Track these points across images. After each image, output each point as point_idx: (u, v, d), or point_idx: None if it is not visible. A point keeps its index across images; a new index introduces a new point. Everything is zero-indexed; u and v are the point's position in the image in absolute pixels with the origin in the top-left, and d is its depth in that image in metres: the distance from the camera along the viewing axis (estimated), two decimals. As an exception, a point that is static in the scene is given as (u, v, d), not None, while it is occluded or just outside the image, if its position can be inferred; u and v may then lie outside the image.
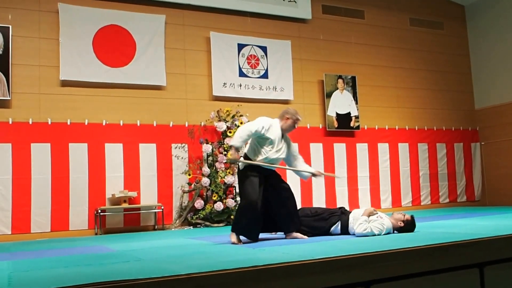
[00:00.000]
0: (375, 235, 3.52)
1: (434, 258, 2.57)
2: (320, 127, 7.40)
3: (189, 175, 6.20)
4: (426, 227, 4.20)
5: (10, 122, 5.63)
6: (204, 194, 6.26)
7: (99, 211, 5.71)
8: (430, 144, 8.22)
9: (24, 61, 5.79)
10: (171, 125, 6.39)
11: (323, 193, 7.24)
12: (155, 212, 6.08)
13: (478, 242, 2.81)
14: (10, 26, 5.69)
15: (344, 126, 7.47)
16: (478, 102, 8.70)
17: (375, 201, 7.62)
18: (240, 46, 6.94)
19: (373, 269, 2.38)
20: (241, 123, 6.42)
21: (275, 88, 7.11)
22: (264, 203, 3.70)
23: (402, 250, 2.54)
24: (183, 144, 6.38)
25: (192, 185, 6.25)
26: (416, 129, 8.15)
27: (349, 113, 7.53)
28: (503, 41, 8.21)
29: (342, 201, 7.34)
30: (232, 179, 6.18)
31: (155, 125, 6.32)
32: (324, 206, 7.23)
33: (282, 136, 3.81)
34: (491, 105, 8.45)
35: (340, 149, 7.46)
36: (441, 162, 8.28)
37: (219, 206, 6.04)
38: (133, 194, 5.88)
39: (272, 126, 3.74)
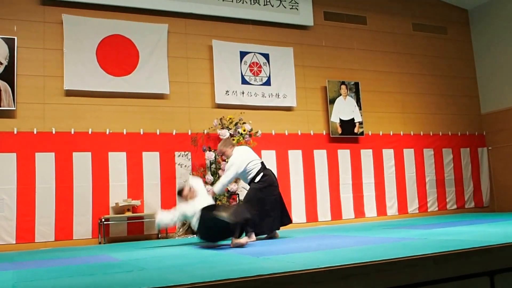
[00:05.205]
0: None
1: (442, 267, 2.51)
2: (324, 133, 7.37)
3: (193, 183, 6.17)
4: (434, 234, 4.13)
5: (15, 132, 5.66)
6: (208, 202, 6.22)
7: (103, 220, 5.71)
8: (436, 149, 8.15)
9: (29, 72, 5.85)
10: (174, 133, 6.40)
11: (328, 200, 7.18)
12: (159, 220, 6.04)
13: (487, 249, 2.75)
14: (16, 38, 5.75)
15: (348, 132, 7.43)
16: (484, 107, 8.63)
17: (381, 208, 7.54)
18: (242, 54, 6.96)
19: (379, 278, 2.33)
20: (244, 130, 6.41)
21: (278, 95, 7.11)
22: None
23: (409, 258, 2.49)
24: (186, 152, 6.37)
25: (196, 193, 6.22)
26: (422, 134, 8.09)
27: (352, 119, 7.50)
28: (508, 44, 8.16)
29: (347, 209, 7.28)
30: (235, 187, 6.14)
31: (158, 133, 6.33)
32: (329, 214, 7.19)
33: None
34: (497, 109, 8.38)
35: (344, 155, 7.41)
36: (448, 168, 8.19)
37: (223, 214, 5.99)
38: (136, 202, 5.87)
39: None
